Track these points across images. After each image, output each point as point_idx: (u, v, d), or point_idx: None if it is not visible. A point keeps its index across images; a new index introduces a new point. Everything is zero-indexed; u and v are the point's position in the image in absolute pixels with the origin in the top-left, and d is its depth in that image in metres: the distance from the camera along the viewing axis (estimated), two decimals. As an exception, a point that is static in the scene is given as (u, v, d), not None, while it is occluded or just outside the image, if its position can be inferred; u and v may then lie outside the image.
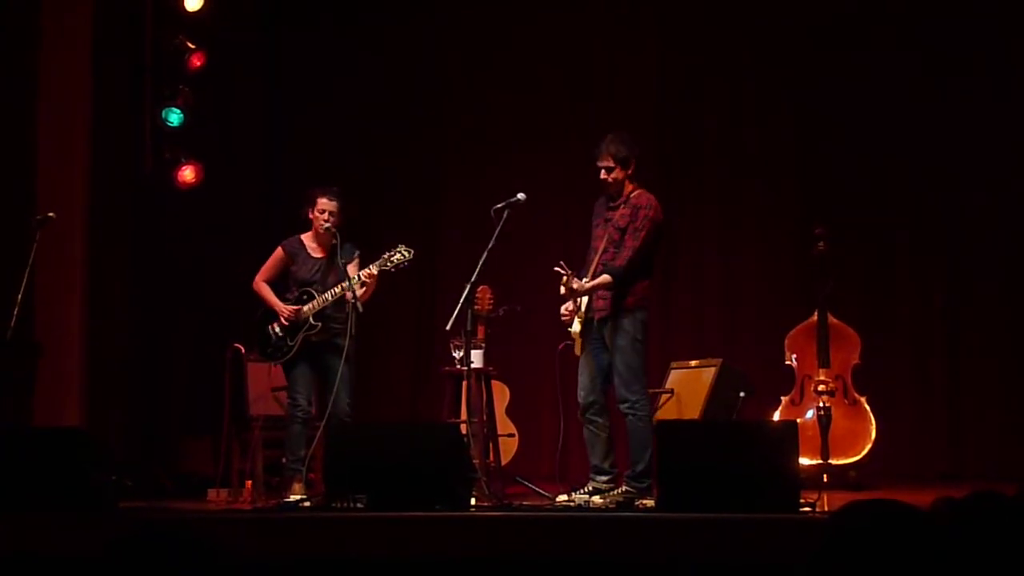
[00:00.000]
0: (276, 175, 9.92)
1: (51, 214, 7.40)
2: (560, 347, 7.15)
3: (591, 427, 6.87)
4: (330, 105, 10.11)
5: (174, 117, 8.82)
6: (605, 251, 6.81)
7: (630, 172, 6.84)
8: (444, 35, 10.29)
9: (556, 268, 6.79)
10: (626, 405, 6.71)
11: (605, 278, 6.71)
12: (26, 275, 7.05)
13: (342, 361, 7.02)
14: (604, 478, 6.80)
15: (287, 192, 8.08)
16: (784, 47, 9.76)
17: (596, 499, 6.64)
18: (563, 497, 6.75)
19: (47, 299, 8.09)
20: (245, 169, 9.73)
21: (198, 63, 8.94)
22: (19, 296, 6.97)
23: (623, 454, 6.94)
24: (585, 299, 6.83)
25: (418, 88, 10.24)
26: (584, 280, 6.77)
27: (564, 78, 10.13)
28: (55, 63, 8.51)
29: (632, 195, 6.83)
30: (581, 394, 6.89)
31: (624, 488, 6.69)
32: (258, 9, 10.15)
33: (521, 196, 6.82)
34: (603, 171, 6.82)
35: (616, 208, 6.84)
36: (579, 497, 6.69)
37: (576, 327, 6.86)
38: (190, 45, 8.88)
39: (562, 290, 6.80)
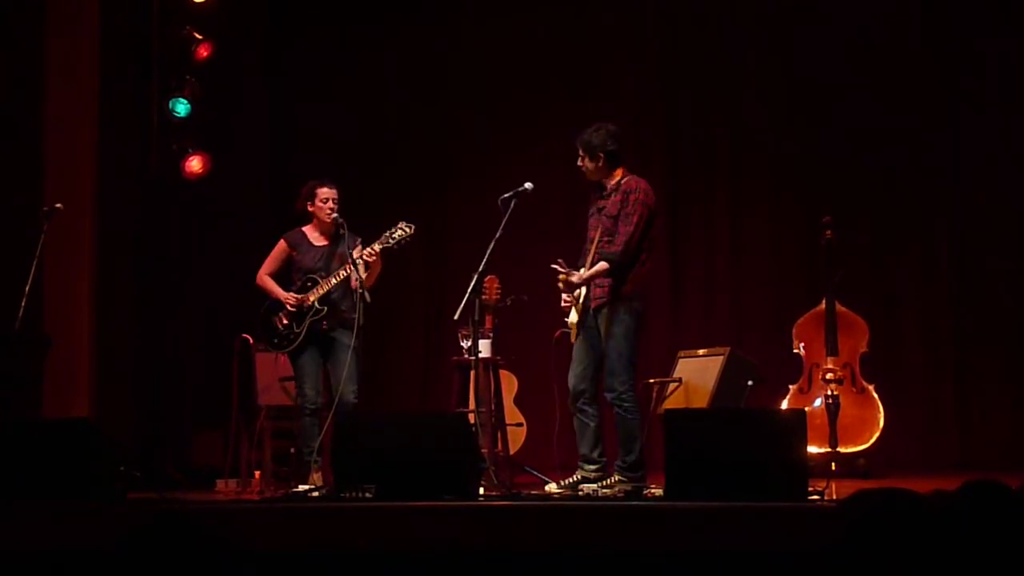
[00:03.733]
0: (284, 165, 9.92)
1: (59, 205, 7.40)
2: (556, 335, 7.10)
3: (581, 416, 6.78)
4: (336, 95, 10.10)
5: (181, 108, 8.81)
6: (600, 240, 6.75)
7: (600, 164, 6.77)
8: (448, 28, 10.26)
9: (553, 266, 6.78)
10: (612, 395, 6.64)
11: (602, 265, 6.66)
12: (34, 266, 7.05)
13: (350, 350, 6.97)
14: (593, 467, 6.73)
15: (295, 182, 8.06)
16: (790, 40, 9.74)
17: (586, 486, 6.61)
18: (552, 486, 6.73)
19: (55, 290, 8.09)
20: (252, 159, 9.72)
21: (205, 54, 8.92)
22: (27, 287, 6.98)
23: (612, 443, 6.85)
24: (584, 289, 6.77)
25: (424, 78, 10.22)
26: (582, 270, 6.75)
27: (567, 70, 10.11)
28: (62, 54, 8.51)
29: (623, 182, 6.76)
30: (572, 381, 6.80)
31: (617, 478, 6.62)
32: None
33: (528, 185, 6.81)
34: (578, 158, 6.85)
35: (607, 197, 6.78)
36: (568, 484, 6.67)
37: (573, 317, 6.81)
38: (197, 36, 8.87)
39: (560, 284, 6.80)
